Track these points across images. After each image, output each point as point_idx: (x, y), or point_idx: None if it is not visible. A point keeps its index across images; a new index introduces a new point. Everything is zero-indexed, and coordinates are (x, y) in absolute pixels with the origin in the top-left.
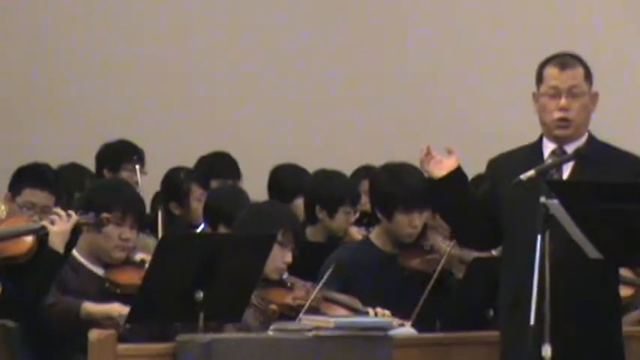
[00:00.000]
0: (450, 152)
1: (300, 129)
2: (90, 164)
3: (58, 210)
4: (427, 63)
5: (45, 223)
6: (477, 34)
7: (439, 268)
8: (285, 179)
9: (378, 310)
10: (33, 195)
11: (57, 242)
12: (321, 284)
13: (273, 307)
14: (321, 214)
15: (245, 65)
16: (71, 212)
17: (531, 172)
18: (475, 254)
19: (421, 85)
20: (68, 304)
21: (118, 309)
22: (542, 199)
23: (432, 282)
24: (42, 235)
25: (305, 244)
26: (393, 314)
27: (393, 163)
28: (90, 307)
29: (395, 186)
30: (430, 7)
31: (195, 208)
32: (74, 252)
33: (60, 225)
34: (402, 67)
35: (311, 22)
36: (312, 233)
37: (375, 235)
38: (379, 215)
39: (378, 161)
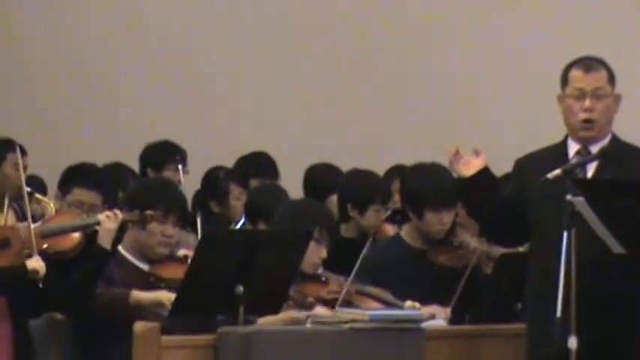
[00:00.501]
0: (477, 152)
1: (335, 129)
2: (133, 164)
3: (107, 212)
4: (456, 64)
5: (97, 220)
6: (504, 37)
7: (471, 264)
8: (320, 178)
9: (409, 302)
10: (82, 194)
11: (105, 239)
12: (351, 278)
13: (310, 300)
14: (352, 212)
15: (282, 65)
16: (117, 211)
17: (557, 171)
18: (502, 250)
19: (450, 86)
20: (117, 293)
21: (167, 296)
22: (569, 197)
23: (465, 277)
24: (89, 233)
25: (339, 240)
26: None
27: (423, 163)
28: (139, 294)
29: (424, 185)
30: (458, 11)
31: (234, 206)
32: (120, 248)
33: (108, 224)
34: (432, 69)
35: (344, 22)
36: (345, 230)
37: (406, 232)
38: (410, 213)
39: (409, 161)
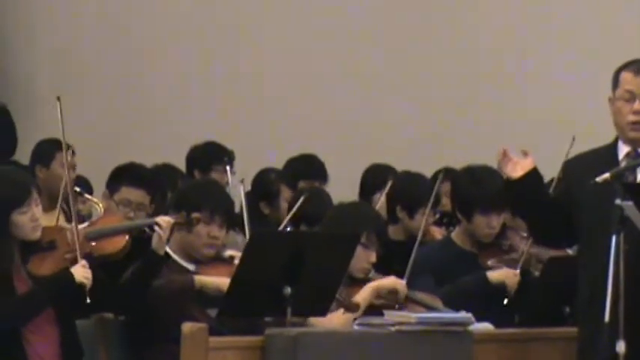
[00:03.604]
0: (525, 154)
1: (382, 130)
2: (180, 165)
3: (164, 217)
4: (506, 66)
5: (153, 223)
6: (556, 38)
7: (519, 267)
8: (376, 178)
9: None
10: (130, 193)
11: (160, 246)
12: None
13: (356, 303)
14: (401, 214)
15: (332, 68)
16: (169, 218)
17: (606, 175)
18: (551, 253)
19: (499, 88)
20: (182, 280)
21: (228, 282)
22: (618, 201)
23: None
24: (138, 233)
25: (387, 243)
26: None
27: (474, 166)
28: (202, 278)
29: (474, 188)
30: (511, 9)
31: (284, 208)
32: (166, 249)
33: (166, 230)
34: (480, 69)
35: (397, 24)
36: (393, 232)
37: (456, 235)
38: (459, 216)
39: (457, 163)
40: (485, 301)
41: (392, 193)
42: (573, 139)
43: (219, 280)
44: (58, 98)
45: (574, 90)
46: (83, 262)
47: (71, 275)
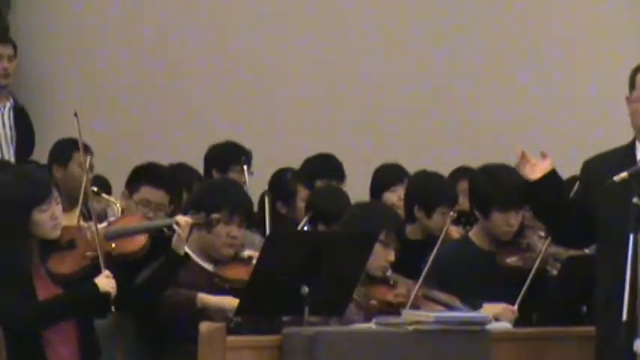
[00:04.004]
0: (544, 156)
1: (399, 130)
2: (197, 166)
3: (183, 217)
4: (524, 66)
5: (173, 223)
6: (572, 39)
7: (536, 265)
8: (386, 178)
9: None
10: (150, 193)
11: (180, 247)
12: (420, 282)
13: (374, 302)
14: (419, 214)
15: (348, 67)
16: (188, 218)
17: (624, 174)
18: (570, 252)
19: (516, 88)
20: (185, 295)
21: (230, 302)
22: (635, 200)
23: (529, 278)
24: (157, 233)
25: (405, 242)
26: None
27: (492, 164)
28: (205, 297)
29: (492, 186)
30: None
31: (301, 207)
32: (185, 248)
33: (186, 229)
34: (497, 69)
35: (414, 24)
36: (411, 231)
37: (474, 234)
38: (477, 214)
39: (474, 163)
40: None
41: (409, 192)
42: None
43: (222, 300)
44: (75, 114)
45: (591, 91)
46: (107, 272)
47: (96, 286)
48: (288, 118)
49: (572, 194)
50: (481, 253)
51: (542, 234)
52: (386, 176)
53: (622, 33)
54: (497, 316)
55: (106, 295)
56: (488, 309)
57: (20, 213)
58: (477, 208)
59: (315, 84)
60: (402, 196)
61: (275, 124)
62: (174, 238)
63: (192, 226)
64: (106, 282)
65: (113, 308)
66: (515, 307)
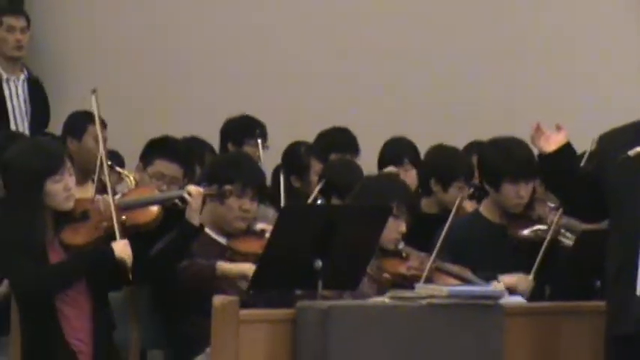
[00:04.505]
0: (558, 128)
1: (412, 103)
2: (209, 139)
3: (194, 186)
4: (541, 42)
5: (185, 194)
6: (581, 12)
7: (548, 237)
8: (393, 151)
9: (495, 283)
10: (163, 166)
11: (193, 217)
12: (434, 256)
13: (386, 275)
14: (435, 188)
15: (362, 41)
16: (200, 188)
17: (638, 149)
18: (584, 226)
19: (529, 63)
20: (204, 265)
21: (251, 268)
22: None
23: (542, 250)
24: (170, 205)
25: (419, 216)
26: None
27: (500, 137)
28: (224, 265)
29: (502, 157)
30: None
31: (315, 181)
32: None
33: (197, 200)
34: (509, 47)
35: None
36: (426, 205)
37: (485, 208)
38: (487, 187)
39: (485, 137)
40: None
41: (426, 165)
42: (593, 141)
43: (241, 267)
44: (94, 90)
45: (606, 66)
46: (125, 240)
47: (111, 249)
48: (303, 91)
49: (584, 166)
50: (492, 227)
51: (552, 205)
52: (393, 150)
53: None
54: (514, 285)
55: (121, 261)
56: (505, 280)
57: (34, 183)
58: (487, 181)
59: (329, 58)
60: (407, 169)
61: (290, 98)
62: (187, 209)
63: (205, 198)
64: (122, 248)
65: (130, 276)
66: (531, 276)
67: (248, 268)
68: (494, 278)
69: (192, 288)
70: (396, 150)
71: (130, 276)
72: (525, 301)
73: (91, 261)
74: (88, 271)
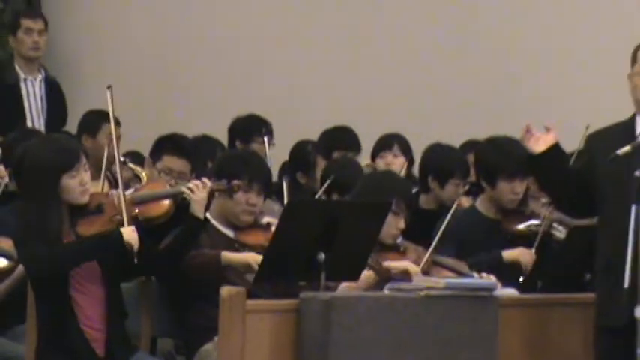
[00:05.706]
0: (548, 129)
1: (410, 101)
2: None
3: (195, 181)
4: (534, 42)
5: (185, 190)
6: (575, 16)
7: (541, 231)
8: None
9: (483, 275)
10: (171, 162)
11: (198, 209)
12: (431, 249)
13: (386, 267)
14: (432, 185)
15: (368, 42)
16: (205, 180)
17: (627, 148)
18: (575, 222)
19: (525, 63)
20: (209, 254)
21: (254, 257)
22: (637, 173)
23: (535, 245)
24: (180, 200)
25: (418, 211)
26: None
27: (497, 136)
28: (229, 255)
29: (498, 155)
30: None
31: (319, 178)
32: (207, 215)
33: (199, 194)
34: (506, 47)
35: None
36: (424, 201)
37: (480, 203)
38: (483, 184)
39: (482, 136)
40: (501, 279)
41: (424, 163)
42: (587, 128)
43: (245, 256)
44: (109, 87)
45: (596, 66)
46: (133, 227)
47: (120, 234)
48: (309, 91)
49: (573, 164)
50: (487, 221)
51: (544, 201)
52: (382, 139)
53: (629, 10)
54: (516, 258)
55: (129, 245)
56: (508, 255)
57: (50, 178)
58: (483, 178)
59: (331, 60)
60: (396, 154)
61: (296, 98)
62: (192, 202)
63: (214, 192)
64: (130, 233)
65: (136, 260)
66: (520, 281)
67: (251, 257)
68: (499, 255)
69: (198, 276)
70: (388, 138)
71: (136, 260)
72: (518, 292)
73: (101, 241)
74: (98, 251)
